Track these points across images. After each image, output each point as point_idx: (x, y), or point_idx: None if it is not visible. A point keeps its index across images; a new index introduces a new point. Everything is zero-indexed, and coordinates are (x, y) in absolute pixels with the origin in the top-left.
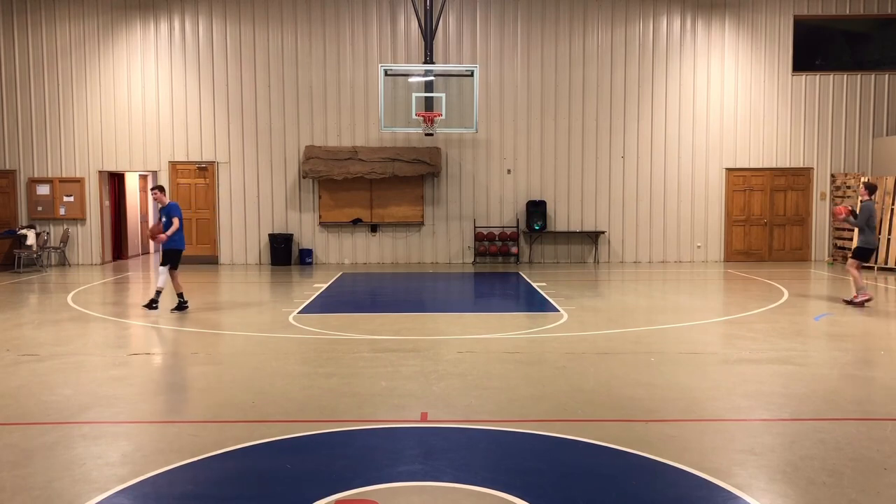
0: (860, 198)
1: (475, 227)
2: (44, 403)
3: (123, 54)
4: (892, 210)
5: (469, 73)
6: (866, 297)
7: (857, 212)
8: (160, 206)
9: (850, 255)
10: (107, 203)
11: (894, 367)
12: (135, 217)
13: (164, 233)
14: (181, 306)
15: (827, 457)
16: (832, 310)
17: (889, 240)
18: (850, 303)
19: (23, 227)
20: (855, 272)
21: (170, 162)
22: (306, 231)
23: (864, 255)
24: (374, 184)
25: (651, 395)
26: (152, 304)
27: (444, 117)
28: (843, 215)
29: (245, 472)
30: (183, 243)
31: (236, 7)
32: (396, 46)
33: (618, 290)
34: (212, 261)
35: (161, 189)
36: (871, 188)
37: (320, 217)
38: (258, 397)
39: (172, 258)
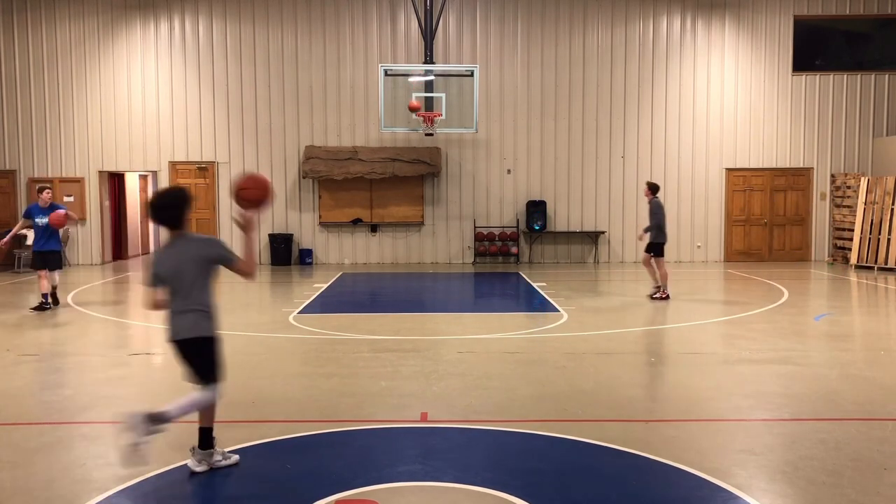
0: (647, 198)
1: (475, 227)
2: (44, 403)
3: (123, 54)
4: (893, 210)
5: (469, 73)
6: (658, 290)
7: (650, 212)
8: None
9: (644, 250)
10: (107, 203)
11: (894, 367)
12: (135, 217)
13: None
14: (42, 307)
15: (827, 457)
16: (832, 309)
17: (889, 240)
18: (654, 298)
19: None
20: (650, 267)
21: (170, 162)
22: (306, 231)
23: (660, 249)
24: (374, 184)
25: (651, 395)
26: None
27: (444, 117)
28: None
29: (245, 472)
30: (34, 244)
31: (236, 7)
32: (396, 46)
33: (618, 290)
34: None
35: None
36: (654, 187)
37: (320, 217)
38: (258, 397)
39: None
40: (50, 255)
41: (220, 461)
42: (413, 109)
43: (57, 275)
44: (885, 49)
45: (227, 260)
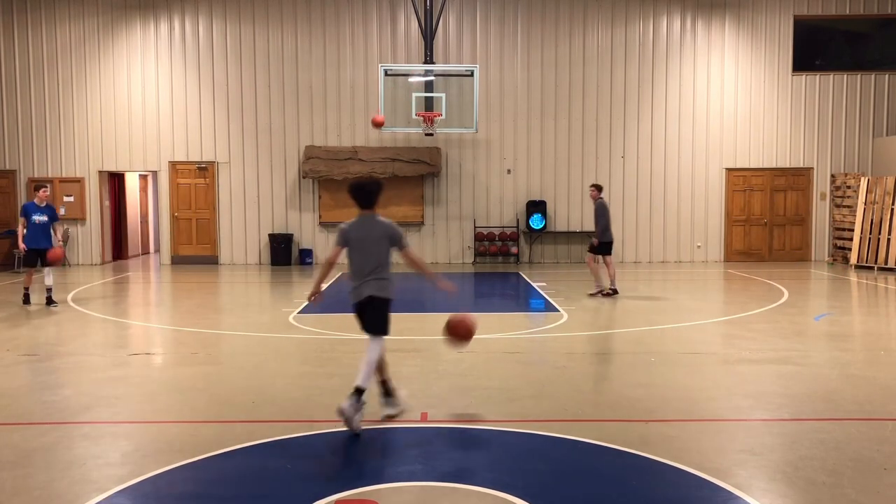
0: (593, 198)
1: (475, 227)
2: (44, 403)
3: (123, 54)
4: (893, 210)
5: (469, 73)
6: (599, 290)
7: (596, 213)
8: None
9: (588, 249)
10: (107, 203)
11: (894, 367)
12: (135, 217)
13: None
14: (27, 300)
15: (827, 457)
16: (831, 309)
17: (889, 240)
18: (605, 294)
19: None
20: (593, 265)
21: (170, 162)
22: (306, 231)
23: (608, 248)
24: None
25: (651, 395)
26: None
27: (444, 117)
28: None
29: (245, 472)
30: (31, 242)
31: (236, 7)
32: (396, 46)
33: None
34: (212, 261)
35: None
36: (599, 188)
37: (320, 217)
38: (258, 397)
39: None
40: (44, 253)
41: (394, 411)
42: (377, 124)
43: (51, 272)
44: (885, 49)
45: (402, 245)
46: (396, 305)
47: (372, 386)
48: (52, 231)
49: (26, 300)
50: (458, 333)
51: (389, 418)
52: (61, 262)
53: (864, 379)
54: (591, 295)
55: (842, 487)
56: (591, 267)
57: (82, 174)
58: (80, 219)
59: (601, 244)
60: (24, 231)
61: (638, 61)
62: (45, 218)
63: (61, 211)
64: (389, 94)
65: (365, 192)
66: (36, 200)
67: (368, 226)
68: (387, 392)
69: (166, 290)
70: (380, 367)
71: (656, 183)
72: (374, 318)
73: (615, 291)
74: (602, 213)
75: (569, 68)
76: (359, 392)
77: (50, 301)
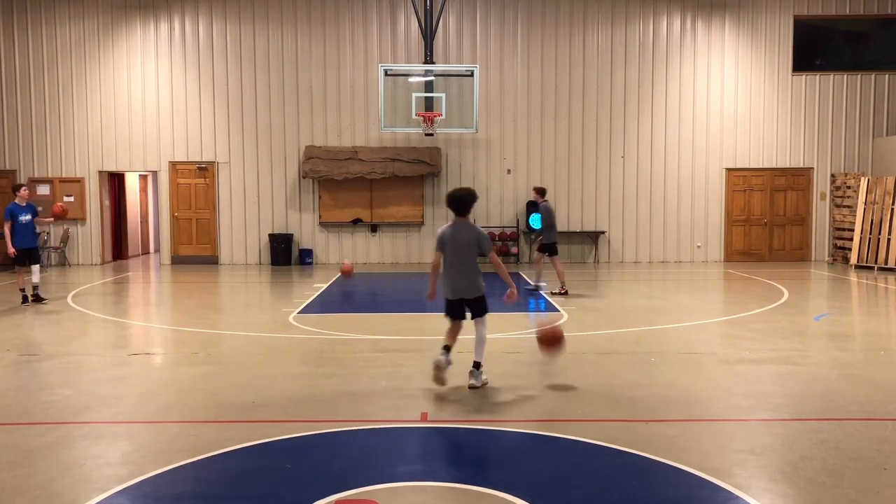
0: (536, 202)
1: None
2: (44, 403)
3: (123, 54)
4: (893, 210)
5: (469, 73)
6: (535, 286)
7: (541, 215)
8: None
9: (538, 248)
10: (107, 203)
11: (894, 367)
12: (135, 217)
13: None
14: (26, 300)
15: (827, 457)
16: (831, 309)
17: (889, 240)
18: (555, 293)
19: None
20: (539, 266)
21: (170, 162)
22: (306, 231)
23: (553, 248)
24: (374, 184)
25: (651, 395)
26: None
27: (444, 117)
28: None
29: (245, 472)
30: (20, 242)
31: (236, 7)
32: (396, 46)
33: (618, 290)
34: (212, 261)
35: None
36: (541, 191)
37: (320, 217)
38: (258, 397)
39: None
40: (34, 252)
41: (478, 383)
42: (345, 273)
43: (38, 269)
44: (885, 49)
45: (488, 249)
46: (396, 305)
47: (370, 386)
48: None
49: (25, 300)
50: (549, 342)
51: (472, 388)
52: (67, 215)
53: (864, 379)
54: (533, 291)
55: (842, 487)
56: (536, 266)
57: (82, 174)
58: (80, 219)
59: (547, 245)
60: (11, 234)
61: (638, 61)
62: (29, 216)
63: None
64: (389, 94)
65: (460, 202)
66: (17, 200)
67: (463, 231)
68: (478, 365)
69: (166, 290)
70: (454, 334)
71: (656, 183)
72: (478, 308)
73: (565, 292)
74: (546, 215)
75: (569, 68)
76: (477, 366)
77: (38, 298)
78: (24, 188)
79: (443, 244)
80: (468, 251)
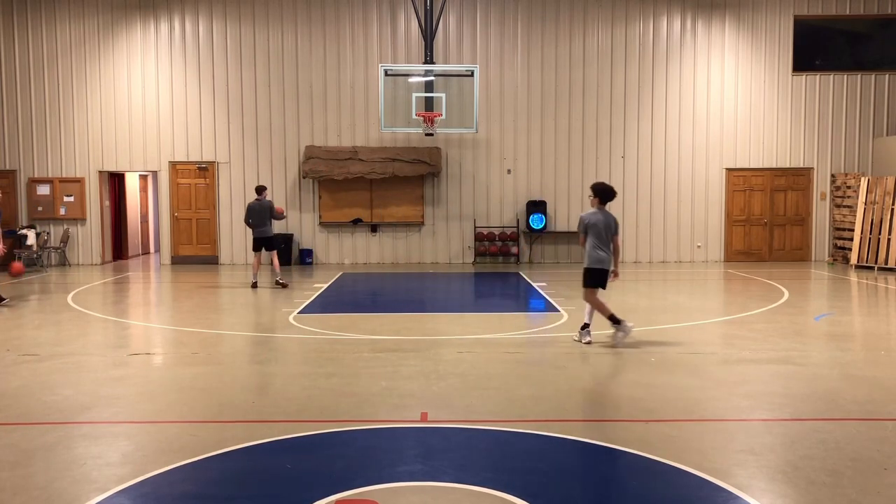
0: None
1: (475, 227)
2: (44, 403)
3: (123, 54)
4: (893, 210)
5: (469, 73)
6: (283, 284)
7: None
8: None
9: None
10: (107, 203)
11: (894, 367)
12: (135, 217)
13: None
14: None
15: (827, 457)
16: (832, 309)
17: (889, 240)
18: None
19: (23, 228)
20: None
21: (170, 162)
22: (306, 231)
23: (277, 244)
24: (374, 184)
25: (651, 395)
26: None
27: (444, 117)
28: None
29: (245, 472)
30: None
31: (236, 7)
32: (396, 46)
33: (618, 290)
34: (212, 261)
35: None
36: (264, 188)
37: (320, 217)
38: (258, 397)
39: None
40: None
41: (622, 336)
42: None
43: None
44: (885, 49)
45: (616, 233)
46: (396, 305)
47: (370, 386)
48: None
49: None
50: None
51: (615, 340)
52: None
53: (864, 379)
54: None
55: (842, 487)
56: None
57: (82, 174)
58: (80, 219)
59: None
60: (23, 233)
61: (638, 61)
62: None
63: (61, 211)
64: (389, 94)
65: (608, 193)
66: None
67: (604, 216)
68: (616, 321)
69: (166, 290)
70: (603, 307)
71: (656, 183)
72: (602, 279)
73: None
74: (270, 213)
75: (569, 68)
76: (616, 321)
77: None
78: None
79: (586, 227)
80: (606, 233)
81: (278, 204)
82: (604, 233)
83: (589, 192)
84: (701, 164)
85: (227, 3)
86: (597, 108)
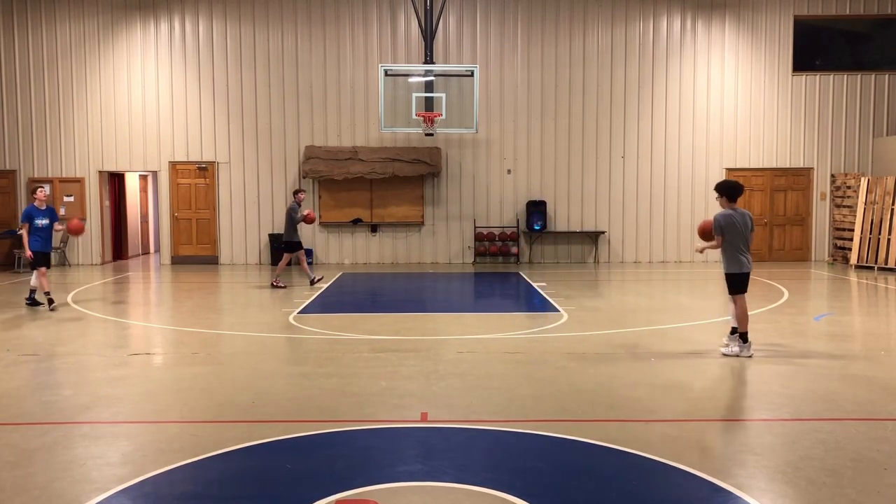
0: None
1: (475, 227)
2: (44, 403)
3: (123, 54)
4: (893, 210)
5: (469, 73)
6: (280, 285)
7: (288, 214)
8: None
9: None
10: (107, 203)
11: (894, 367)
12: (135, 217)
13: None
14: (43, 303)
15: (827, 457)
16: (832, 309)
17: (889, 240)
18: (274, 286)
19: (23, 228)
20: (283, 264)
21: (170, 162)
22: (306, 231)
23: (296, 248)
24: (374, 184)
25: (651, 395)
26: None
27: (444, 117)
28: None
29: (245, 472)
30: (44, 246)
31: (236, 7)
32: (396, 46)
33: (618, 290)
34: (212, 261)
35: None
36: (298, 192)
37: (320, 217)
38: (258, 397)
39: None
40: (48, 256)
41: (737, 352)
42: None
43: (37, 275)
44: (885, 49)
45: (753, 230)
46: (396, 305)
47: (370, 386)
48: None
49: (36, 303)
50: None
51: (727, 354)
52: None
53: (864, 379)
54: (276, 286)
55: (842, 487)
56: (280, 265)
57: (82, 174)
58: (80, 219)
59: (288, 244)
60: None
61: (638, 61)
62: (47, 221)
63: (61, 211)
64: (389, 94)
65: (735, 189)
66: (36, 203)
67: (739, 215)
68: (745, 338)
69: (166, 290)
70: (742, 319)
71: (656, 183)
72: (745, 284)
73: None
74: (291, 218)
75: (569, 68)
76: (743, 337)
77: (35, 302)
78: (40, 189)
79: (723, 229)
80: (745, 231)
81: (307, 208)
82: (743, 232)
83: (714, 193)
84: (701, 163)
85: (227, 4)
86: (597, 108)
